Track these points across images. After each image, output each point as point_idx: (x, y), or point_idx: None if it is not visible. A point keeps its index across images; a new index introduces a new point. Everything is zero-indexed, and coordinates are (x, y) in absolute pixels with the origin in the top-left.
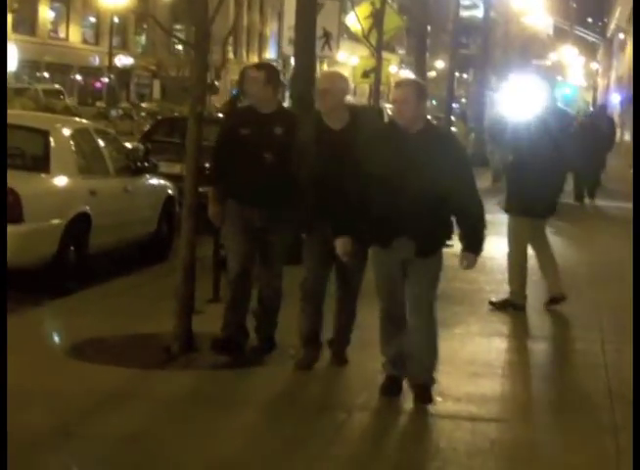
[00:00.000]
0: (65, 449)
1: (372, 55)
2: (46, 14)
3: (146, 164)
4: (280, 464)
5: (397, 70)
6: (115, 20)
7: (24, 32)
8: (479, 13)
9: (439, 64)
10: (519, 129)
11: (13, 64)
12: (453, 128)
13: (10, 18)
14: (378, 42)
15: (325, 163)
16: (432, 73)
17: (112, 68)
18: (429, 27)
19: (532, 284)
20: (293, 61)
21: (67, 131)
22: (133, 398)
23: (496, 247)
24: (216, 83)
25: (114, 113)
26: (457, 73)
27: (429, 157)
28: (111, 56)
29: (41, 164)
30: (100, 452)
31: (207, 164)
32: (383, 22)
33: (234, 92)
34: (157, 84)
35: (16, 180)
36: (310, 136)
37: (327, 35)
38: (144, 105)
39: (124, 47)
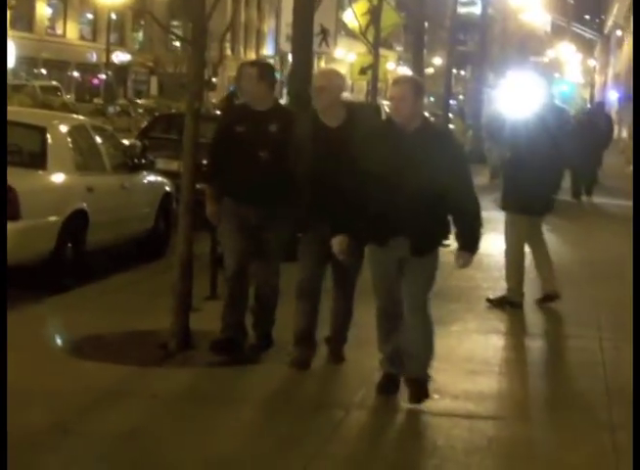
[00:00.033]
0: (62, 447)
1: (369, 52)
2: (43, 10)
3: (143, 161)
4: (277, 462)
5: (395, 67)
6: (113, 16)
7: (22, 29)
8: (476, 9)
9: (437, 60)
10: (517, 126)
11: (10, 60)
12: (451, 125)
13: (7, 14)
14: (375, 39)
15: (321, 160)
16: (429, 70)
17: (109, 64)
18: (426, 24)
19: (530, 281)
20: (290, 57)
21: (64, 128)
22: (130, 395)
23: (493, 244)
24: (214, 80)
25: (111, 109)
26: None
27: (426, 155)
28: (108, 52)
29: (38, 160)
30: (97, 450)
31: (205, 161)
32: (380, 18)
33: (231, 89)
34: (154, 81)
35: (13, 177)
36: (307, 133)
37: (324, 32)
38: (139, 101)
39: (122, 43)
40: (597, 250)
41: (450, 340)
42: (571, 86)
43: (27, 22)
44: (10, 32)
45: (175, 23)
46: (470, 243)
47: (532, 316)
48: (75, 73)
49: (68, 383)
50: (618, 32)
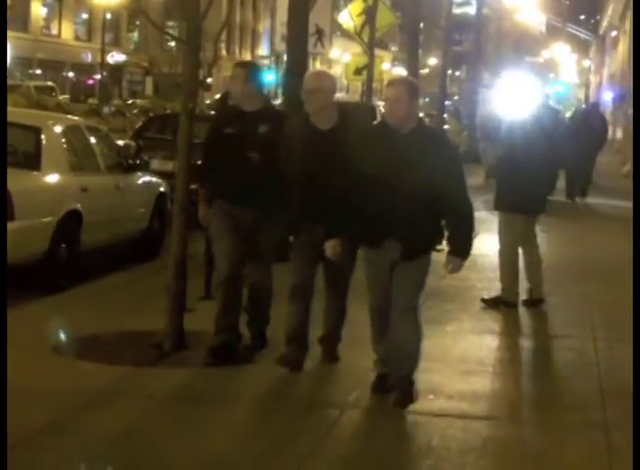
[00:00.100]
0: (57, 447)
1: (364, 52)
2: (38, 10)
3: (138, 162)
4: (271, 462)
5: (390, 68)
6: (108, 16)
7: (17, 29)
8: (471, 9)
9: (432, 61)
10: (512, 127)
11: None
12: (446, 126)
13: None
14: (370, 39)
15: (311, 164)
16: (424, 70)
17: (104, 64)
18: (421, 24)
19: (524, 281)
20: (285, 57)
21: (58, 128)
22: (125, 395)
23: (488, 244)
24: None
25: (106, 109)
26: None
27: (420, 156)
28: (103, 52)
29: (32, 161)
30: (92, 450)
31: (199, 162)
32: (375, 18)
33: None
34: (149, 81)
35: (7, 178)
36: (297, 136)
37: (319, 32)
38: (129, 102)
39: (117, 44)
40: (591, 250)
41: (445, 340)
42: (566, 87)
43: (22, 22)
44: None
45: (170, 23)
46: (461, 247)
47: (527, 316)
48: (70, 74)
49: (63, 383)
50: (613, 33)
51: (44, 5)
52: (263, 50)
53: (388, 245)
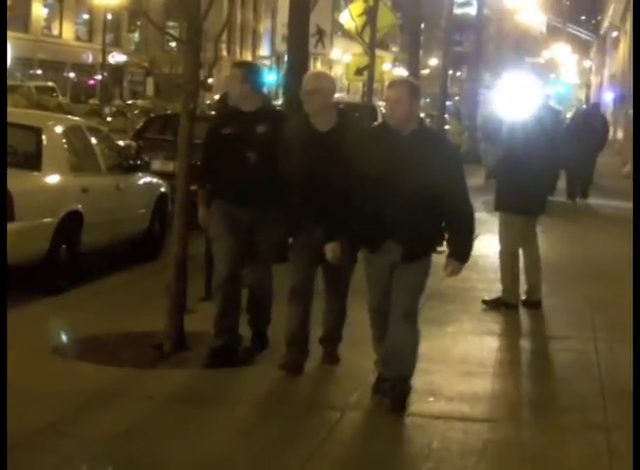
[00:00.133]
0: (57, 447)
1: (365, 52)
2: (39, 11)
3: (138, 162)
4: (271, 463)
5: (391, 68)
6: (109, 17)
7: (18, 29)
8: (472, 10)
9: (433, 61)
10: (513, 127)
11: None
12: (447, 126)
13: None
14: (371, 40)
15: (310, 165)
16: (425, 71)
17: (105, 65)
18: (422, 25)
19: (525, 283)
20: (286, 58)
21: (59, 129)
22: (125, 396)
23: (489, 245)
24: (209, 81)
25: (107, 110)
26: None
27: (421, 157)
28: (104, 53)
29: (33, 161)
30: (92, 450)
31: (200, 162)
32: (376, 19)
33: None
34: (150, 81)
35: (8, 178)
36: (295, 137)
37: (320, 33)
38: (130, 102)
39: (117, 44)
40: (592, 251)
41: (445, 341)
42: (566, 87)
43: (23, 22)
44: None
45: (171, 23)
46: (460, 250)
47: (527, 317)
48: (71, 74)
49: (63, 384)
50: (614, 33)
51: (45, 5)
52: (264, 50)
53: (388, 247)
